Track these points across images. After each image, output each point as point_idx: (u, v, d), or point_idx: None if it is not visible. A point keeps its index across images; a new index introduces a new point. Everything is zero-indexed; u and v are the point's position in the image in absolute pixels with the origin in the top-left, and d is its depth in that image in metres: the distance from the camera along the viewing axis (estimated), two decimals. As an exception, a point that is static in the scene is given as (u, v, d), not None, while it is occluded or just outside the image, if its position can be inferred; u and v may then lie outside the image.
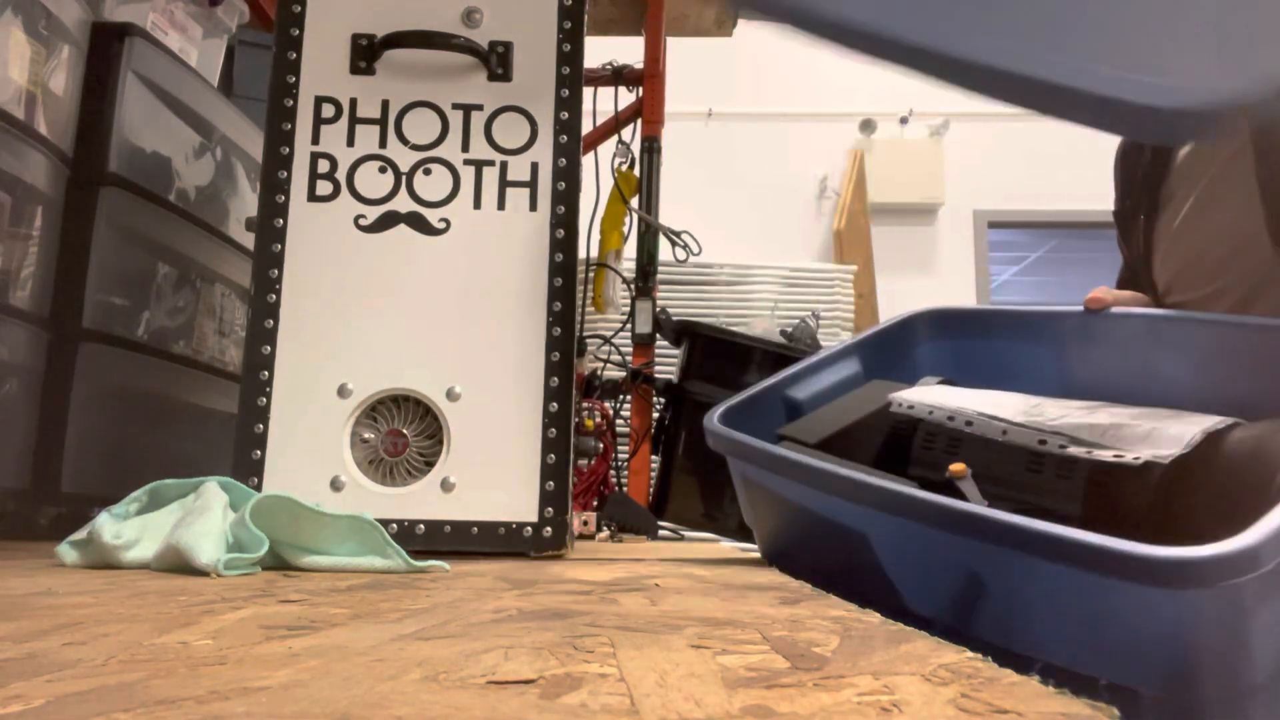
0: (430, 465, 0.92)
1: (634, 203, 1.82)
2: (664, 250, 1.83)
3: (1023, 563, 0.55)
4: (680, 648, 0.34)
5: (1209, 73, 0.60)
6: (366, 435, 0.92)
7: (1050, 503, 0.73)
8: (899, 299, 3.20)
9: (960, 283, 4.37)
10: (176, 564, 0.66)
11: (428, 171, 0.97)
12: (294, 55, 0.98)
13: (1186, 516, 0.67)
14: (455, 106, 0.99)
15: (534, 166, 0.98)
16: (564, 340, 0.94)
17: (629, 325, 1.76)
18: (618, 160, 1.87)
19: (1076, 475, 0.70)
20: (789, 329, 1.63)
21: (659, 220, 1.81)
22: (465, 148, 0.98)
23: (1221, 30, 0.62)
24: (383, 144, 0.97)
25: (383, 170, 0.97)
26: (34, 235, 1.09)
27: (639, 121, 1.89)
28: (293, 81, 0.98)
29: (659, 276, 1.82)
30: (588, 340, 1.73)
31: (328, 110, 0.98)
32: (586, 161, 1.66)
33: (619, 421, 1.67)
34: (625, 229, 1.88)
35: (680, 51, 2.42)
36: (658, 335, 1.72)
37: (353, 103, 0.98)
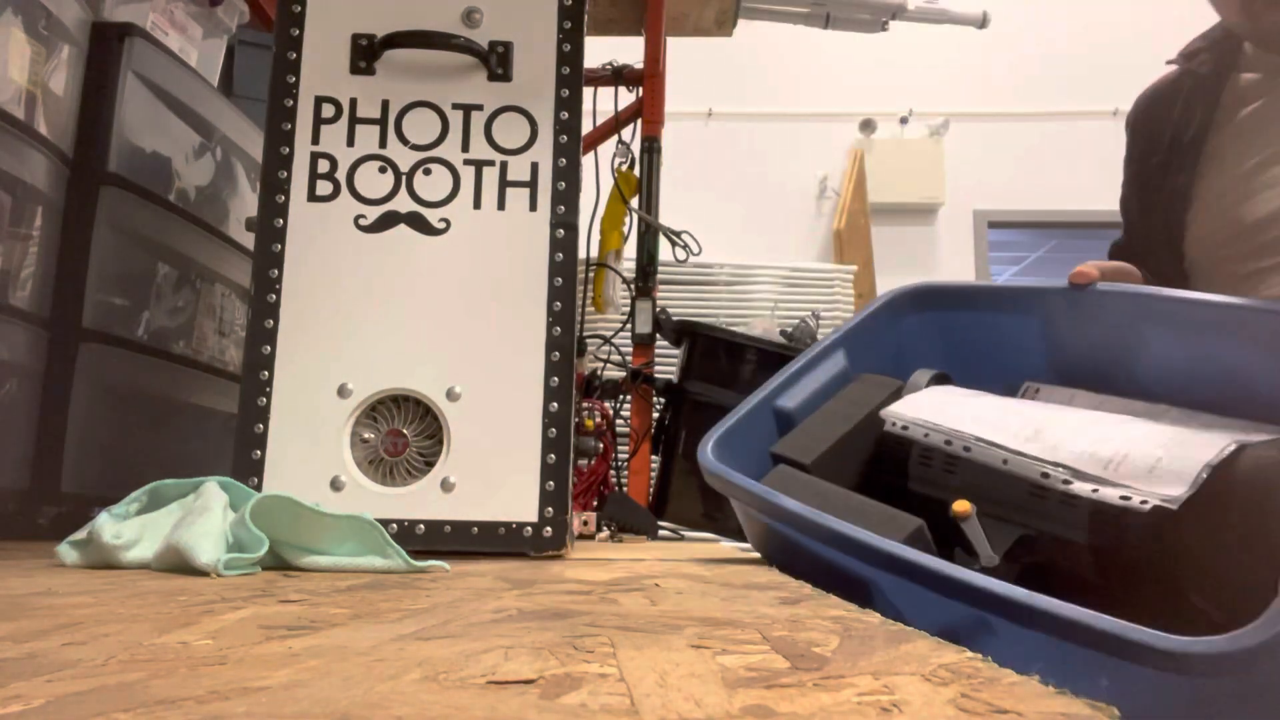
0: (430, 465, 0.92)
1: (634, 203, 1.82)
2: (664, 250, 1.83)
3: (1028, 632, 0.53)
4: (680, 648, 0.34)
5: None
6: (366, 435, 0.92)
7: (1054, 529, 0.70)
8: (899, 299, 3.19)
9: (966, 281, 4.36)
10: (176, 564, 0.66)
11: (428, 171, 0.97)
12: (294, 55, 0.98)
13: (1200, 551, 0.63)
14: (455, 106, 0.99)
15: (534, 166, 0.98)
16: (564, 340, 0.94)
17: (629, 325, 1.76)
18: (618, 160, 1.86)
19: (1081, 505, 0.67)
20: (789, 329, 1.63)
21: (659, 220, 1.81)
22: (465, 148, 0.98)
23: None
24: (383, 144, 0.97)
25: (383, 170, 0.97)
26: (34, 235, 1.09)
27: (639, 121, 1.89)
28: (293, 81, 0.98)
29: (659, 276, 1.82)
30: (588, 340, 1.73)
31: (328, 110, 0.98)
32: (586, 161, 1.66)
33: (619, 421, 1.67)
34: (625, 229, 1.87)
35: (680, 51, 2.42)
36: (658, 335, 1.72)
37: (353, 103, 0.98)
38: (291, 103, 0.97)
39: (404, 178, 0.97)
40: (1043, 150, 4.43)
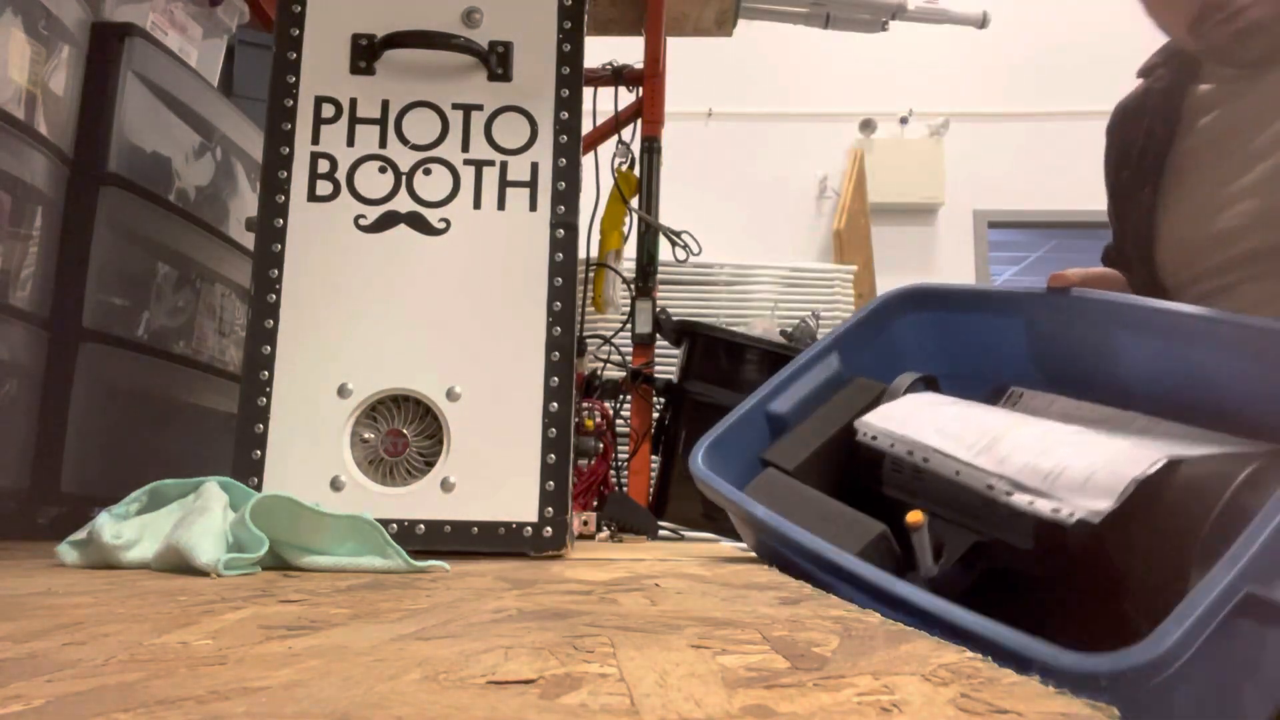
0: (430, 465, 0.92)
1: (634, 203, 1.82)
2: (664, 250, 1.83)
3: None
4: (680, 648, 0.34)
5: None
6: (366, 435, 0.92)
7: (1005, 536, 0.74)
8: (899, 299, 3.19)
9: (960, 282, 4.37)
10: (176, 564, 0.66)
11: (428, 171, 0.97)
12: (294, 55, 0.98)
13: (1129, 563, 0.66)
14: (455, 106, 0.99)
15: (534, 166, 0.98)
16: (564, 340, 0.94)
17: (629, 325, 1.76)
18: (618, 160, 1.86)
19: (1026, 515, 0.70)
20: (789, 329, 1.63)
21: (659, 220, 1.81)
22: (465, 148, 0.98)
23: None
24: (383, 144, 0.97)
25: (383, 170, 0.97)
26: (34, 235, 1.09)
27: (639, 121, 1.89)
28: (293, 81, 0.98)
29: (659, 276, 1.82)
30: (588, 340, 1.73)
31: (328, 110, 0.98)
32: (586, 161, 1.66)
33: (619, 421, 1.67)
34: (625, 229, 1.87)
35: (680, 51, 2.42)
36: (658, 335, 1.72)
37: (353, 103, 0.98)
38: (291, 103, 0.97)
39: (404, 178, 0.97)
40: (1043, 150, 4.43)
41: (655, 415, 1.71)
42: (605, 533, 1.37)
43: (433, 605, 0.48)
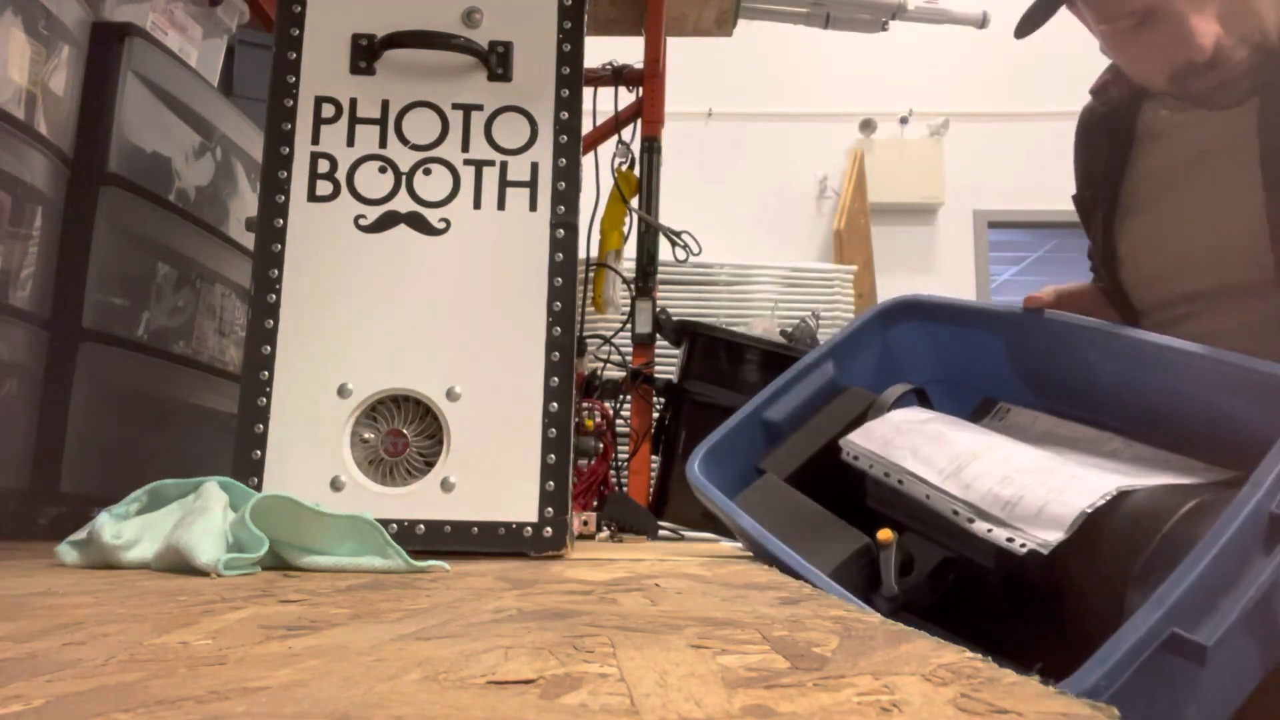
0: (430, 465, 0.92)
1: (634, 203, 1.82)
2: (664, 250, 1.83)
3: None
4: (680, 648, 0.34)
5: None
6: (366, 435, 0.92)
7: (972, 555, 0.77)
8: (899, 299, 3.19)
9: (960, 283, 4.37)
10: (176, 564, 0.66)
11: (428, 171, 0.97)
12: (294, 55, 0.98)
13: (1078, 590, 0.69)
14: (455, 106, 0.99)
15: (534, 166, 0.98)
16: (564, 340, 0.94)
17: (629, 325, 1.76)
18: (618, 160, 1.86)
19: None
20: (789, 329, 1.63)
21: (659, 220, 1.81)
22: (465, 148, 0.98)
23: None
24: (383, 144, 0.97)
25: (383, 170, 0.97)
26: (34, 235, 1.09)
27: (639, 121, 1.89)
28: (293, 81, 0.98)
29: (659, 276, 1.82)
30: (588, 340, 1.73)
31: (328, 110, 0.97)
32: (586, 161, 1.66)
33: (619, 421, 1.67)
34: (625, 229, 1.87)
35: (680, 51, 2.42)
36: (658, 335, 1.72)
37: (353, 103, 0.98)
38: (291, 103, 0.97)
39: (404, 178, 0.97)
40: (1043, 150, 4.42)
41: (655, 415, 1.71)
42: (605, 533, 1.37)
43: (433, 605, 0.48)
